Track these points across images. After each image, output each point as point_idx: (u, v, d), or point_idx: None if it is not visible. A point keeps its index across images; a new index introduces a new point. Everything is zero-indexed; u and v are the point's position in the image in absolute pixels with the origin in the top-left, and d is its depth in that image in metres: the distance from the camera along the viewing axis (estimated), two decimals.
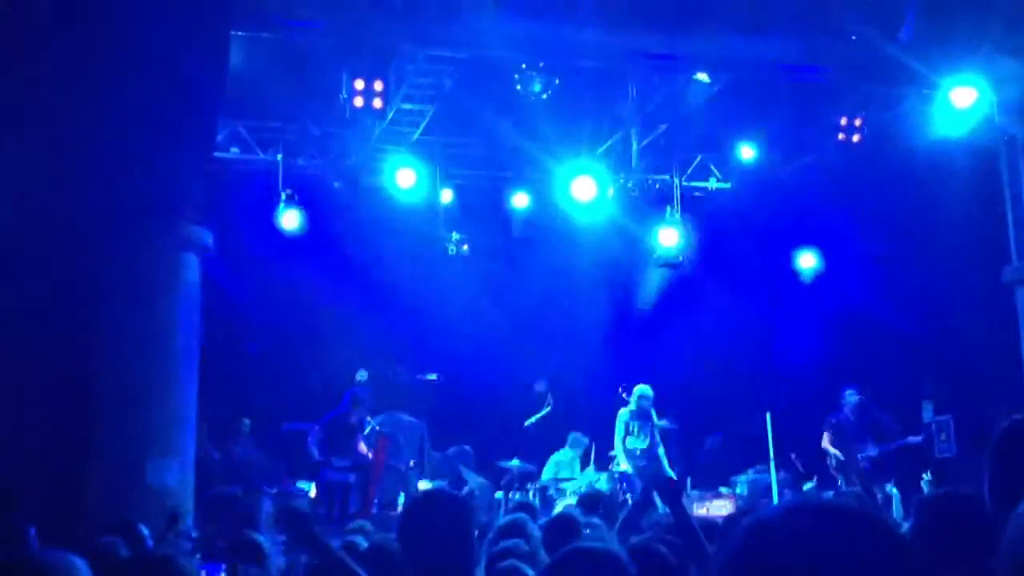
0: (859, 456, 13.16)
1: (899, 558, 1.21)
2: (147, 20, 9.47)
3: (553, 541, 5.37)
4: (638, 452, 13.50)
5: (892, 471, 13.14)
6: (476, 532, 3.96)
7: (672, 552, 4.29)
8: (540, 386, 14.99)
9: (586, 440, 14.30)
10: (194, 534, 8.54)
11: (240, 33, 10.81)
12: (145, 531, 5.84)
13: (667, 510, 6.78)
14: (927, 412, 13.67)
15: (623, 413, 13.53)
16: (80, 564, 2.99)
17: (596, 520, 6.34)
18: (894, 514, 12.32)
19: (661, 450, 13.58)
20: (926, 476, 12.53)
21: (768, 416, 12.77)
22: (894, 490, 12.97)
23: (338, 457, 12.48)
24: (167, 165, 9.72)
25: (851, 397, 13.42)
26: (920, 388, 14.58)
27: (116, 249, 9.56)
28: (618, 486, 13.37)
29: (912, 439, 13.20)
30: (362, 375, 14.68)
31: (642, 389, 13.60)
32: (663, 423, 14.20)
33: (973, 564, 3.03)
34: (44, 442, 9.01)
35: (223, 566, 5.11)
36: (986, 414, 12.30)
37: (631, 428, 13.50)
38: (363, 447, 12.81)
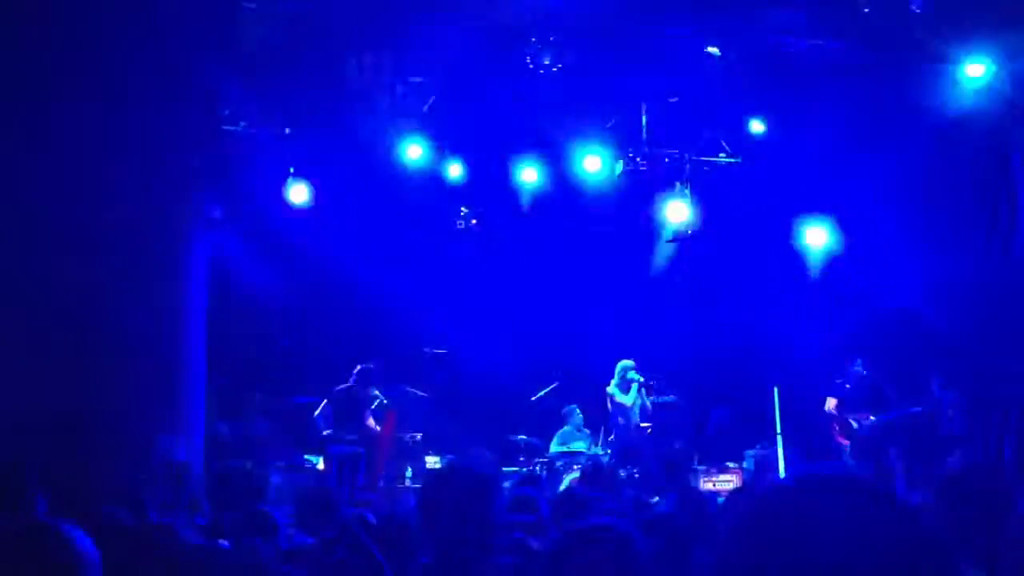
0: (861, 423, 13.32)
1: (909, 529, 1.20)
2: None
3: (562, 518, 5.37)
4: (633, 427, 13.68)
5: (894, 441, 13.23)
6: (496, 508, 3.94)
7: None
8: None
9: (575, 409, 14.39)
10: (203, 507, 8.57)
11: (249, 5, 10.77)
12: (147, 503, 5.87)
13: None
14: (935, 387, 13.64)
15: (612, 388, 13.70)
16: (79, 534, 3.01)
17: (602, 495, 6.34)
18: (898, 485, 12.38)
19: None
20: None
21: (776, 391, 12.75)
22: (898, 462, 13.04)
23: (347, 431, 12.52)
24: (174, 139, 9.71)
25: (857, 368, 13.54)
26: (928, 364, 14.54)
27: (124, 223, 9.56)
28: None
29: (914, 409, 13.26)
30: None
31: (624, 363, 13.77)
32: (669, 398, 14.26)
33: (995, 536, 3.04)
34: (53, 418, 9.05)
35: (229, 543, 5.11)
36: (994, 391, 12.28)
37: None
38: (371, 421, 12.84)
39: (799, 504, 1.23)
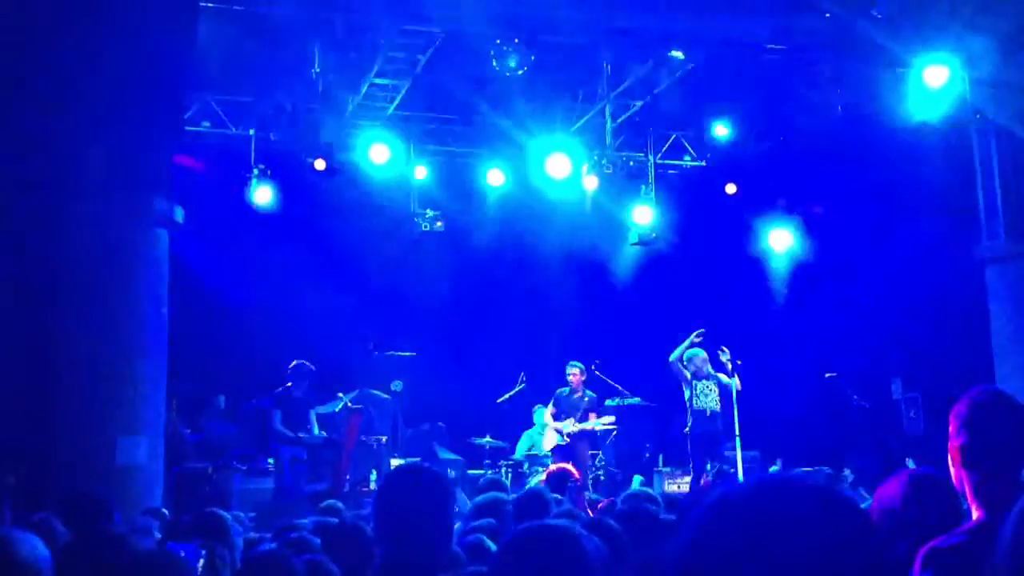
0: None
1: (865, 536, 1.20)
2: None
3: (523, 518, 5.35)
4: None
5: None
6: (455, 509, 3.92)
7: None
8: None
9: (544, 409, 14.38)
10: (164, 511, 8.49)
11: (211, 4, 10.70)
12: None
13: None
14: (896, 389, 13.76)
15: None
16: (38, 542, 2.98)
17: (560, 497, 6.34)
18: None
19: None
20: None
21: (735, 394, 12.76)
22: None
23: (306, 433, 12.47)
24: (135, 138, 9.62)
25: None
26: (890, 365, 14.66)
27: (83, 223, 9.47)
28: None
29: None
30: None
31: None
32: (635, 400, 14.29)
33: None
34: (9, 419, 8.94)
35: (201, 550, 5.02)
36: (955, 392, 12.38)
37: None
38: (314, 420, 12.79)
39: (755, 508, 1.22)
